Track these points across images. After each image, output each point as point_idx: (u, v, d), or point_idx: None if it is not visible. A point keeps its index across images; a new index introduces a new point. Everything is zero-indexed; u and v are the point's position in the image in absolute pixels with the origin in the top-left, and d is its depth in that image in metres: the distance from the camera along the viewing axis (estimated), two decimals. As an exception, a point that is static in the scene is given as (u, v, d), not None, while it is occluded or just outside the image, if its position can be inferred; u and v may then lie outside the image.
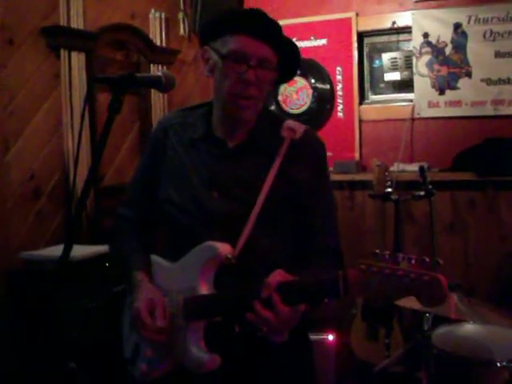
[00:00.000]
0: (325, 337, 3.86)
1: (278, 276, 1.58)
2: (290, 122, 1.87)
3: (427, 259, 1.30)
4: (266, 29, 1.73)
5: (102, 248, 3.33)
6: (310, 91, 4.80)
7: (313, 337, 3.69)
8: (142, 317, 1.73)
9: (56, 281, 1.60)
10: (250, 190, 1.76)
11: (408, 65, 4.54)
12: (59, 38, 3.64)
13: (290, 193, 1.79)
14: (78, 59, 3.74)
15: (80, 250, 3.15)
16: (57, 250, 2.95)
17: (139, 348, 1.87)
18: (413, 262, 1.32)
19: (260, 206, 1.73)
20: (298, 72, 4.73)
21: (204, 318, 1.71)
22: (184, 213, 1.83)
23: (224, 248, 1.71)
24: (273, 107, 4.85)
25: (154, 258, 1.93)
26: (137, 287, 1.84)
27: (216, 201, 1.80)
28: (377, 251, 1.34)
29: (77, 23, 3.76)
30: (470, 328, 2.67)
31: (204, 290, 1.73)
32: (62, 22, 3.67)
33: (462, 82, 4.30)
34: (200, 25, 4.65)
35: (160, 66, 4.50)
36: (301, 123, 1.89)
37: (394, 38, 4.65)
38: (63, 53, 3.65)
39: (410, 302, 2.71)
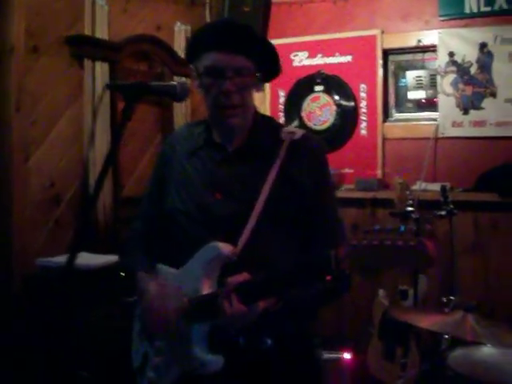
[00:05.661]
0: (341, 355, 3.81)
1: (239, 277, 1.67)
2: (289, 127, 1.97)
3: (415, 227, 1.40)
4: (235, 41, 1.77)
5: (116, 257, 3.33)
6: (334, 108, 4.77)
7: (329, 355, 3.70)
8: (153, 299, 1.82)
9: (62, 288, 1.60)
10: (252, 190, 1.80)
11: (433, 83, 4.49)
12: (83, 47, 3.68)
13: (290, 192, 1.82)
14: (101, 69, 3.77)
15: (94, 259, 3.15)
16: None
17: (148, 357, 1.91)
18: (401, 230, 1.41)
19: (261, 205, 1.77)
20: (322, 88, 4.74)
21: (207, 318, 1.73)
22: (189, 218, 1.87)
23: (226, 247, 1.75)
24: (296, 122, 4.84)
25: (160, 267, 1.95)
26: (147, 283, 1.91)
27: (219, 202, 1.84)
28: (368, 228, 1.42)
29: (101, 33, 3.79)
30: (487, 351, 2.62)
31: (207, 289, 1.75)
32: (87, 31, 3.71)
33: (487, 102, 4.24)
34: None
35: (184, 79, 4.51)
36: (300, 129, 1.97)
37: (419, 56, 4.62)
38: (87, 62, 3.69)
39: (427, 323, 2.67)
